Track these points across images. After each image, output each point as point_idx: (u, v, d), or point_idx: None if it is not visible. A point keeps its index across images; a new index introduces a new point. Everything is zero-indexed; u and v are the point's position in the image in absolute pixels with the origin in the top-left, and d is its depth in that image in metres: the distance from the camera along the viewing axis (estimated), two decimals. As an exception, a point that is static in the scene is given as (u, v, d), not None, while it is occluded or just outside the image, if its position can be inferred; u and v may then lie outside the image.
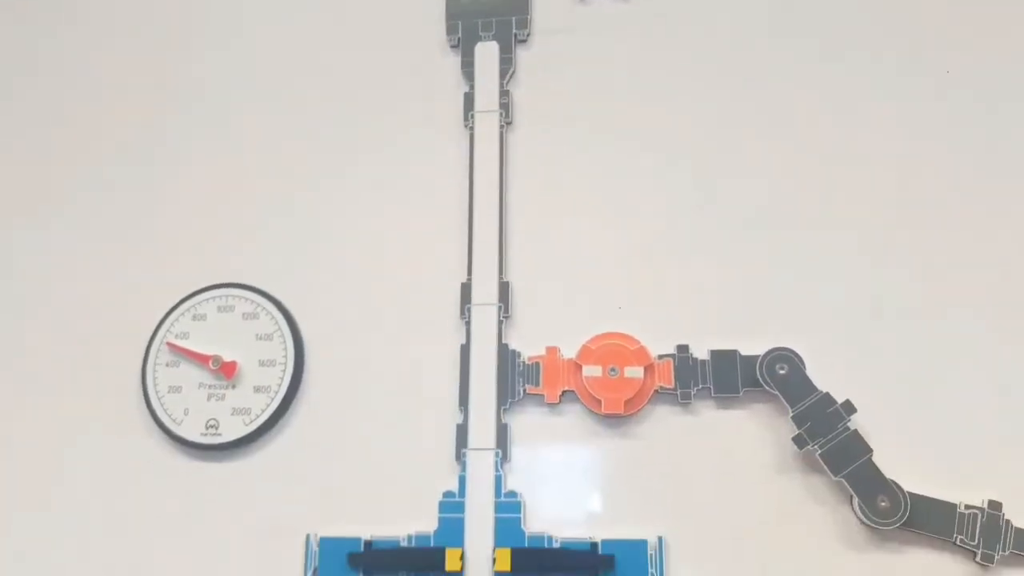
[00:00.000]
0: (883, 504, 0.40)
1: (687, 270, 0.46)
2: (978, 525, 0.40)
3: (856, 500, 0.41)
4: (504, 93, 0.50)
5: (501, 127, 0.50)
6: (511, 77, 0.51)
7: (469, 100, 0.51)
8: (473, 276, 0.47)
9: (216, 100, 0.54)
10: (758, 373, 0.43)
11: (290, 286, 0.49)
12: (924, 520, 0.41)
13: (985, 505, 0.40)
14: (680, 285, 0.46)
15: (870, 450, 0.41)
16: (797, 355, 0.43)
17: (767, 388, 0.43)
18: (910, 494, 0.40)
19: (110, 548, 0.46)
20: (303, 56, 0.54)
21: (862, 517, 0.41)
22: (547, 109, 0.50)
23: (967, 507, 0.40)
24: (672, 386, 0.44)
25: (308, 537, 0.44)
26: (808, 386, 0.43)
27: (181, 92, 0.54)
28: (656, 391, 0.44)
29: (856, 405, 0.42)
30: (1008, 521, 0.40)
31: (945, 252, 0.45)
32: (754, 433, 0.43)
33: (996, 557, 0.40)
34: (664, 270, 0.47)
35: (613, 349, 0.45)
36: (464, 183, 0.49)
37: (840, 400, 0.42)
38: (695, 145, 0.48)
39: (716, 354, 0.44)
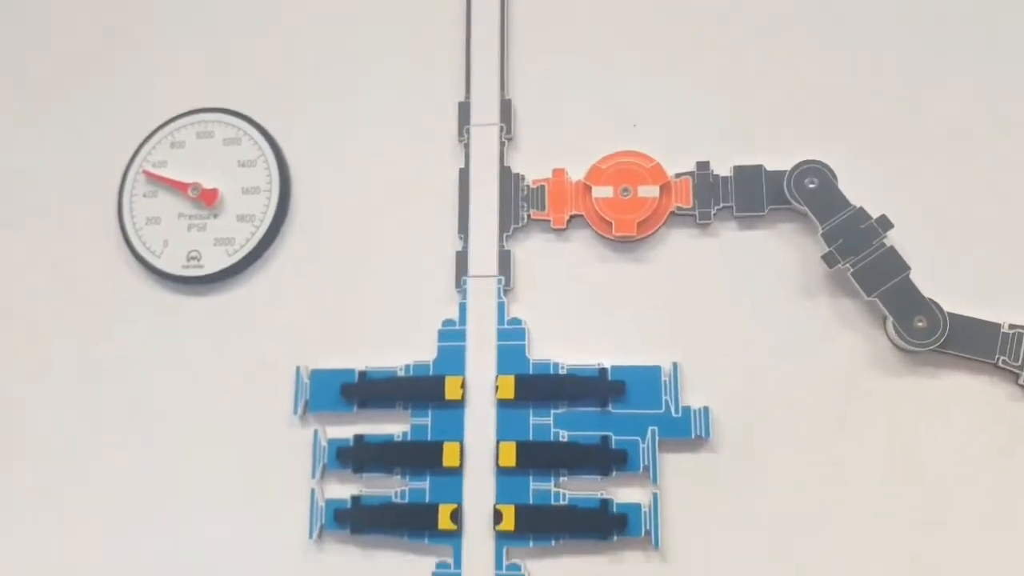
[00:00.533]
0: (920, 324, 0.37)
1: (707, 82, 0.42)
2: (1023, 346, 0.37)
3: (890, 321, 0.37)
4: None
5: (502, -71, 0.45)
6: None
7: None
8: (471, 94, 0.43)
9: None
10: (785, 188, 0.39)
11: (274, 110, 0.45)
12: (964, 341, 0.37)
13: (1031, 325, 0.37)
14: (700, 99, 0.42)
15: (907, 267, 0.38)
16: (828, 168, 0.39)
17: (795, 205, 0.39)
18: (949, 314, 0.37)
19: (90, 388, 0.44)
20: None
21: (896, 339, 0.38)
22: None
23: (1011, 327, 0.37)
24: (690, 206, 0.40)
25: (298, 370, 0.41)
26: (840, 201, 0.39)
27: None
28: (672, 212, 0.40)
29: (893, 221, 0.38)
30: (1055, 341, 0.37)
31: (993, 63, 0.41)
32: (779, 255, 0.40)
33: (1040, 378, 0.37)
34: (682, 83, 0.42)
35: (626, 168, 0.41)
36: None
37: (875, 215, 0.38)
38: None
39: (739, 170, 0.40)
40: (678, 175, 0.41)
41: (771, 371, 0.39)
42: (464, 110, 0.43)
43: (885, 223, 0.38)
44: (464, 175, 0.42)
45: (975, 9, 0.42)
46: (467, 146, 0.43)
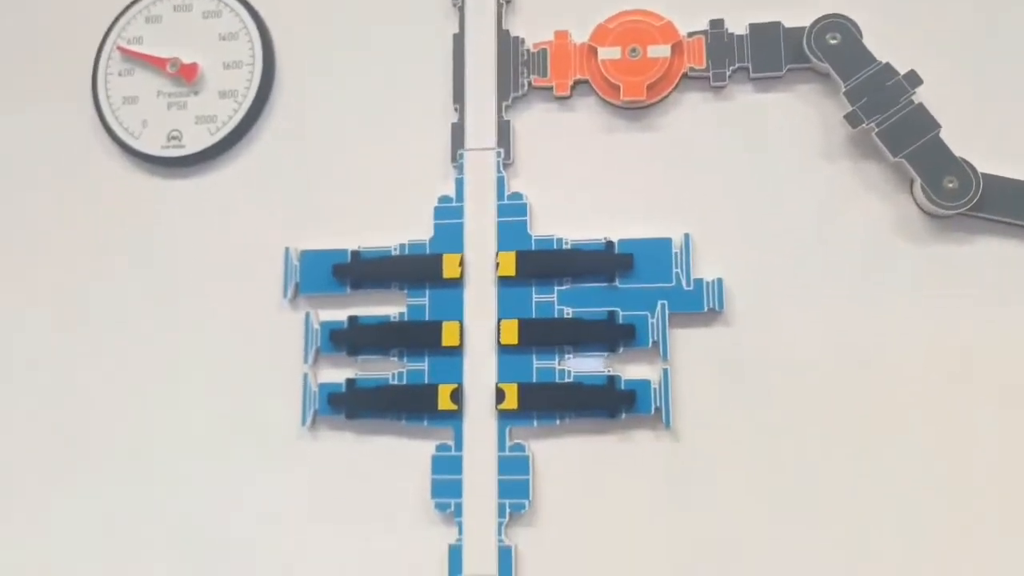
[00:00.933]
0: (950, 185, 0.35)
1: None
2: (1060, 207, 0.34)
3: (918, 183, 0.35)
4: None
5: None
6: None
7: None
8: (466, -46, 0.40)
9: None
10: (805, 45, 0.36)
11: (255, -22, 0.42)
12: (997, 203, 0.35)
13: (1070, 183, 0.34)
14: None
15: (938, 125, 0.35)
16: (852, 22, 0.36)
17: (815, 63, 0.36)
18: (982, 174, 0.34)
19: (67, 276, 0.41)
20: None
21: (924, 202, 0.35)
22: None
23: (1048, 186, 0.35)
24: (704, 67, 0.37)
25: (287, 251, 0.39)
26: (865, 57, 0.36)
27: None
28: (685, 74, 0.38)
29: (922, 76, 0.35)
30: (1096, 203, 0.34)
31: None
32: (798, 117, 0.37)
33: (1080, 242, 0.34)
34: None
35: (635, 27, 0.38)
36: None
37: (903, 71, 0.35)
38: None
39: (756, 28, 0.37)
40: (690, 34, 0.38)
41: (788, 241, 0.36)
42: (458, -29, 0.40)
43: (914, 79, 0.35)
44: (459, 40, 0.40)
45: None
46: (462, 9, 0.40)
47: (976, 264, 0.35)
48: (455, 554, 0.36)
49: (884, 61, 0.35)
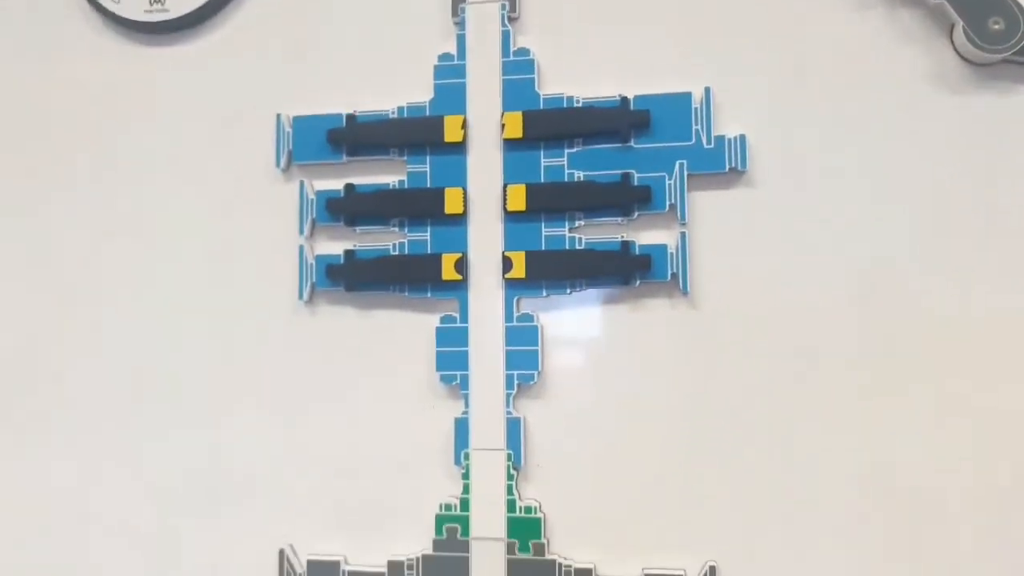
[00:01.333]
0: (996, 27, 0.32)
1: None
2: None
3: (959, 26, 0.32)
4: None
5: None
6: None
7: None
8: None
9: None
10: None
11: None
12: (1046, 43, 0.32)
13: None
14: None
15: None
16: None
17: None
18: None
19: (50, 152, 0.39)
20: None
21: (966, 48, 0.32)
22: None
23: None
24: (725, -93, 0.34)
25: (279, 117, 0.37)
26: None
27: None
28: (704, -84, 0.35)
29: (966, -93, 0.32)
30: None
31: None
32: (828, -38, 0.34)
33: None
34: None
35: None
36: None
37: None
38: None
39: None
40: None
41: (816, 94, 0.34)
42: None
43: (955, -91, 0.32)
44: None
45: None
46: None
47: (1022, 116, 0.33)
48: (462, 427, 0.34)
49: None
